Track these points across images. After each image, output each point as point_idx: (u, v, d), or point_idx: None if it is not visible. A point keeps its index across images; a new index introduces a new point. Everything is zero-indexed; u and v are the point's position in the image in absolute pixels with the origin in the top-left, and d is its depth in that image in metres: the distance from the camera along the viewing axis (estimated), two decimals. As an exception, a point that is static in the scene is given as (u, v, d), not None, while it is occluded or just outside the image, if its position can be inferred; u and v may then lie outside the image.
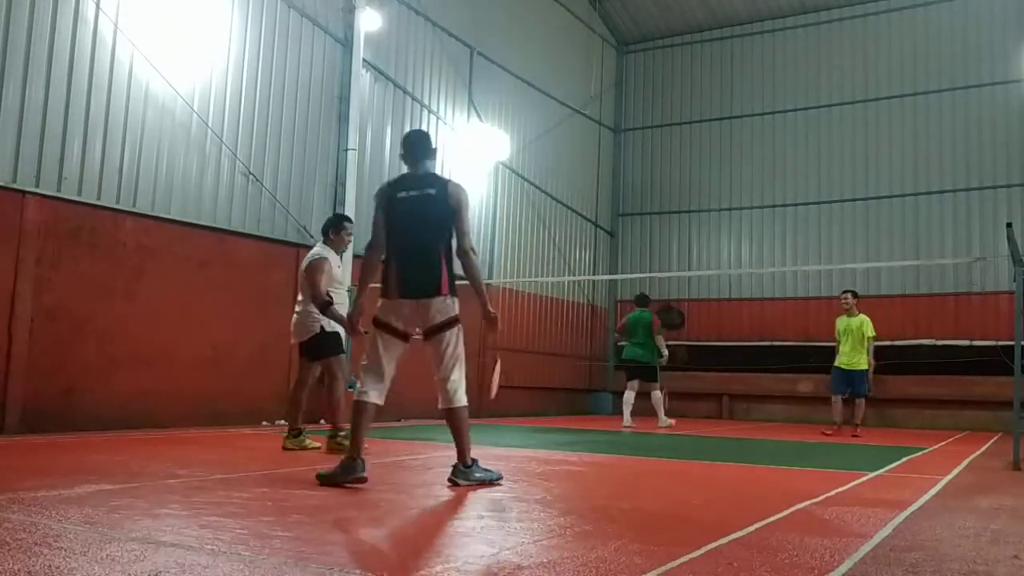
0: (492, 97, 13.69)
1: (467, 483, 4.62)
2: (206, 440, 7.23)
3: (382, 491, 4.40)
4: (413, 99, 12.01)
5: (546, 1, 15.33)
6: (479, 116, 13.31)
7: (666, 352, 11.73)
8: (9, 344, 7.11)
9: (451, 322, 4.60)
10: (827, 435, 10.37)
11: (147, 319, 8.20)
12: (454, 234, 4.66)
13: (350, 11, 10.69)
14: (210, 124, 8.96)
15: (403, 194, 4.67)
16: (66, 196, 7.61)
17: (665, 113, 17.55)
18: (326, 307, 6.28)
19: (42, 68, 7.50)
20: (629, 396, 11.42)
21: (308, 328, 6.51)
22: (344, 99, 10.63)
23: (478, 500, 4.18)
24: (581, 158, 16.55)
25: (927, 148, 15.07)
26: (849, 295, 11.04)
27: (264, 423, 9.15)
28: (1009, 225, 7.06)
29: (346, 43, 10.70)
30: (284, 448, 6.51)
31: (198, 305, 8.71)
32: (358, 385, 4.64)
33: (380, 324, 4.62)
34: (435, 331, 4.58)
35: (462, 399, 4.64)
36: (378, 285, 4.73)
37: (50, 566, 2.45)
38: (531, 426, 11.15)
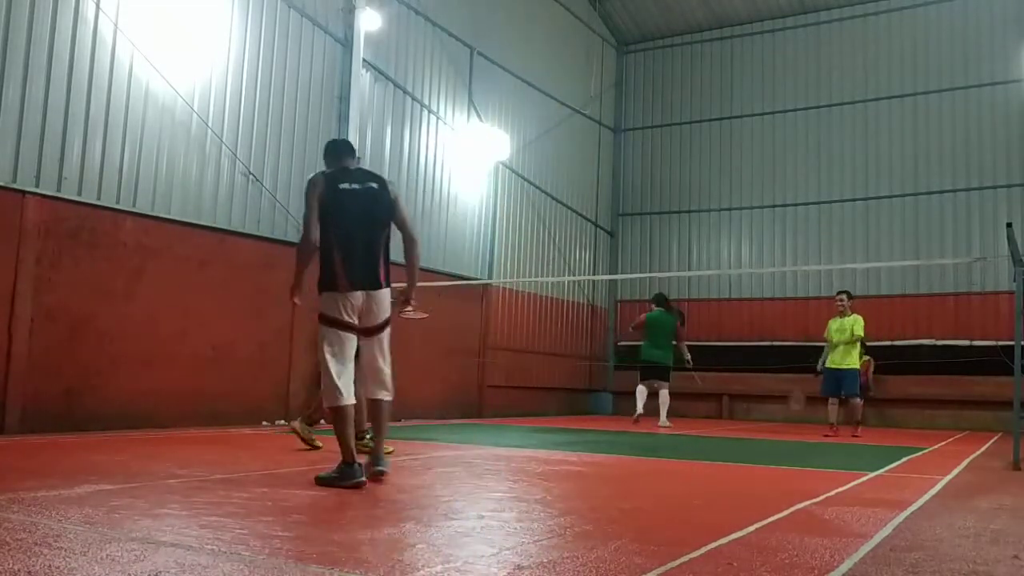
0: (492, 97, 13.69)
1: (388, 469, 4.76)
2: (206, 440, 7.23)
3: (382, 491, 4.40)
4: (413, 99, 12.01)
5: (546, 1, 15.32)
6: (479, 116, 13.30)
7: (689, 356, 12.23)
8: (9, 344, 7.11)
9: (389, 319, 4.72)
10: (827, 436, 10.37)
11: (147, 319, 8.20)
12: (391, 227, 4.77)
13: (350, 11, 10.69)
14: (210, 124, 8.96)
15: (346, 186, 4.61)
16: (66, 196, 7.61)
17: (665, 113, 17.55)
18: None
19: (42, 68, 7.50)
20: (642, 390, 11.73)
21: None
22: (344, 99, 10.62)
23: (478, 500, 4.18)
24: (581, 158, 16.55)
25: (927, 148, 15.06)
26: (844, 296, 11.02)
27: (264, 423, 9.15)
28: (1009, 225, 7.06)
29: (346, 43, 10.70)
30: (290, 426, 6.66)
31: (198, 305, 8.70)
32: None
33: (337, 323, 4.55)
34: (381, 328, 4.65)
35: (392, 392, 4.74)
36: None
37: (50, 566, 2.45)
38: (531, 426, 11.16)
